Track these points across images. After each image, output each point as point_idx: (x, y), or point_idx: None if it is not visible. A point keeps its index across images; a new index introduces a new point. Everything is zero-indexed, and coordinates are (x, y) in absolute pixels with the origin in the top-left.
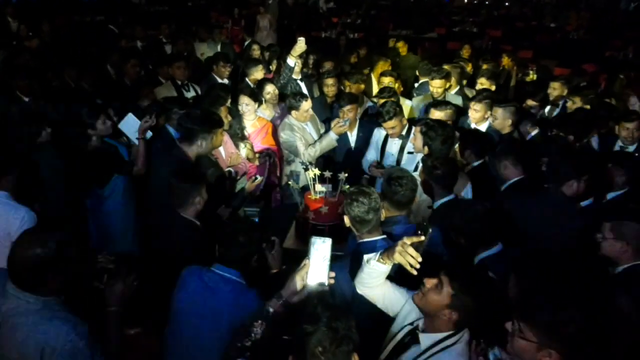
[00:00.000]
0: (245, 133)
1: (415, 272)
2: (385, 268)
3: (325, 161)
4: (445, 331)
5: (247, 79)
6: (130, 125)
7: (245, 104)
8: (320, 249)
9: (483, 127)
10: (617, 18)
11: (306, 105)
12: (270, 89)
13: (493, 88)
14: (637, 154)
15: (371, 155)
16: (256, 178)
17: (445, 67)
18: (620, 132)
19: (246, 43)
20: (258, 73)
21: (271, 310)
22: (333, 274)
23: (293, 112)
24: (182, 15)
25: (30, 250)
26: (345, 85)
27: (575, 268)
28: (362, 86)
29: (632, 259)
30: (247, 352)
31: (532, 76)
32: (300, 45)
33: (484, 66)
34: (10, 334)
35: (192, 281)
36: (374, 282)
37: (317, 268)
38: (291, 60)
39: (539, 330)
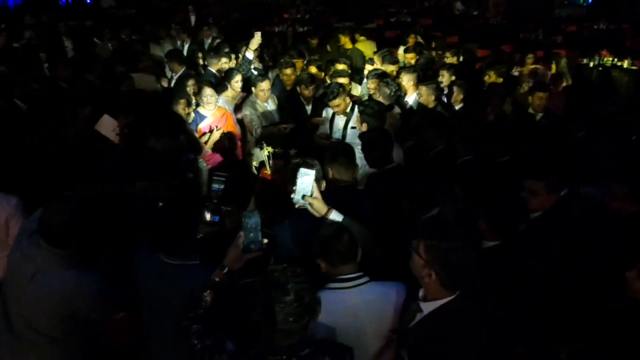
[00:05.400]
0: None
1: None
2: None
3: (283, 138)
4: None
5: (210, 69)
6: (107, 125)
7: (209, 94)
8: (251, 221)
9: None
10: (529, 4)
11: (263, 85)
12: (238, 78)
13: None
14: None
15: (322, 130)
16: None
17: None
18: (533, 101)
19: (210, 39)
20: (222, 64)
21: (217, 279)
22: (266, 241)
23: (253, 88)
24: (147, 17)
25: (55, 217)
26: (309, 70)
27: None
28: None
29: None
30: (201, 319)
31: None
32: (257, 39)
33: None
34: (45, 281)
35: (142, 267)
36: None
37: (251, 237)
38: (250, 54)
39: (428, 250)
